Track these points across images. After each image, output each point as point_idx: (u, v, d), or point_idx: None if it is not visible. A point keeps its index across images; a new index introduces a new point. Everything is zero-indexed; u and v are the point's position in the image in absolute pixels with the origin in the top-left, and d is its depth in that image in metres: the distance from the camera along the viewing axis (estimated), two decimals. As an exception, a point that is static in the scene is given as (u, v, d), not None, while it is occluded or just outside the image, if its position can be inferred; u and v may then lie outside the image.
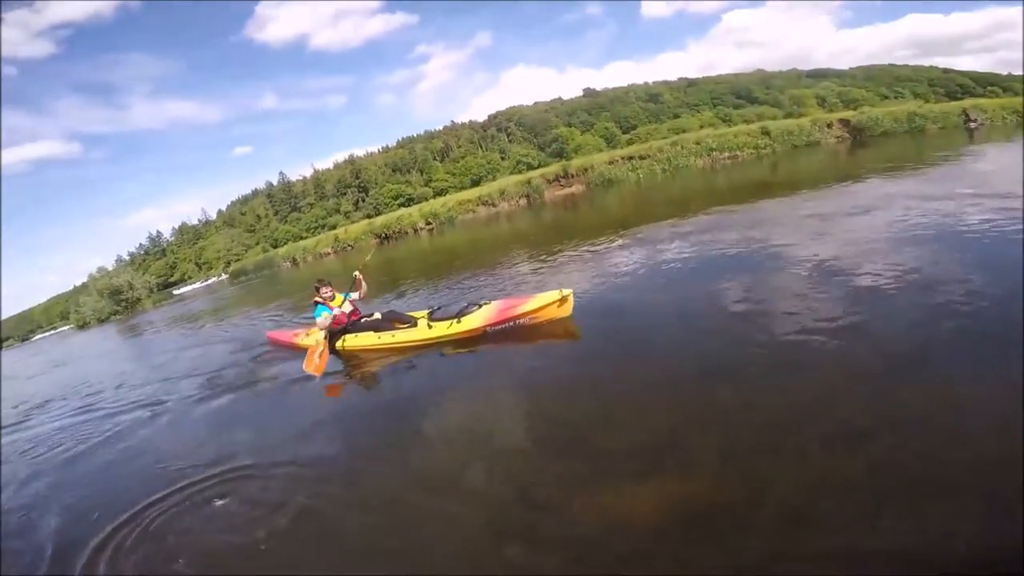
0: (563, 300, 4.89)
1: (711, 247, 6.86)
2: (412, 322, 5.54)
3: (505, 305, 5.14)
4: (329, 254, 32.68)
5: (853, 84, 50.69)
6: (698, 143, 25.82)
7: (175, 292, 38.36)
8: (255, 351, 7.30)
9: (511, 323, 5.01)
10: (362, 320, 5.84)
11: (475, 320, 5.08)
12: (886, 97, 47.75)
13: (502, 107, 56.84)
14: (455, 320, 5.13)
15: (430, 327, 5.27)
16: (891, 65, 54.82)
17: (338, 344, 5.76)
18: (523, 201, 27.47)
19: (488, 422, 3.45)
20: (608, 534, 2.18)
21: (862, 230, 6.19)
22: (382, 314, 5.82)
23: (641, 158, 26.39)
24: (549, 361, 4.37)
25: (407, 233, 29.74)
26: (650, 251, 7.60)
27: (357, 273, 6.11)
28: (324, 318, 5.64)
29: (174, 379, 6.99)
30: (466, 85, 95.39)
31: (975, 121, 25.16)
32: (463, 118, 62.79)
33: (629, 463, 2.61)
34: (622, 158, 26.79)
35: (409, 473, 3.05)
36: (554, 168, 28.94)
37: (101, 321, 29.07)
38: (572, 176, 27.23)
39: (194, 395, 5.87)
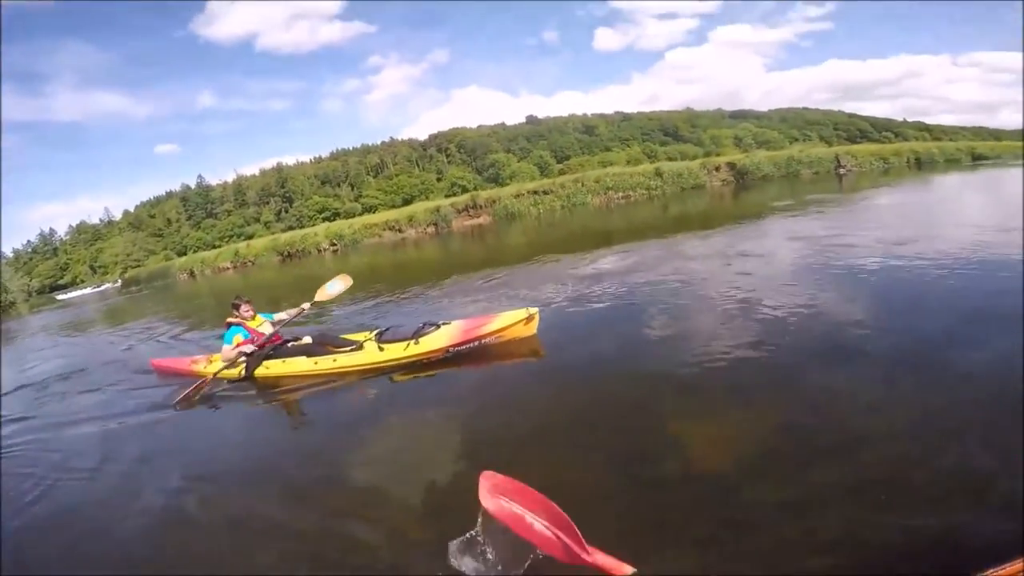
0: (529, 318, 4.71)
1: (619, 281, 7.07)
2: (356, 345, 4.90)
3: (469, 325, 4.80)
4: (228, 268, 31.20)
5: (769, 126, 54.34)
6: (597, 181, 26.59)
7: (59, 297, 35.30)
8: (135, 379, 6.09)
9: (476, 343, 4.68)
10: (289, 344, 5.09)
11: (437, 340, 4.65)
12: (796, 139, 51.45)
13: (452, 126, 56.78)
14: (412, 341, 4.64)
15: (381, 349, 4.70)
16: (804, 109, 59.29)
17: (258, 371, 5.00)
18: (431, 229, 27.28)
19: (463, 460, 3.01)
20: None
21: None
22: (313, 336, 5.12)
23: (545, 193, 26.88)
24: (518, 382, 4.16)
25: (311, 253, 28.94)
26: (565, 280, 7.64)
27: (306, 306, 5.46)
28: (232, 345, 4.92)
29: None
30: (417, 100, 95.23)
31: (844, 167, 27.20)
32: (410, 134, 62.33)
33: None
34: (527, 192, 27.18)
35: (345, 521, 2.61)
36: (464, 199, 28.99)
37: (-34, 324, 26.51)
38: (480, 207, 27.36)
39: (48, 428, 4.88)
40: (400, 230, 27.61)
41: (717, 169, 27.95)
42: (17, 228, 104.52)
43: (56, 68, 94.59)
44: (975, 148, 30.75)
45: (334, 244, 28.64)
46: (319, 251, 28.80)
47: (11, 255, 47.55)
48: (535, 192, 27.01)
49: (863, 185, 19.23)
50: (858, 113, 57.95)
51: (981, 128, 50.80)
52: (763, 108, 60.29)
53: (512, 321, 4.68)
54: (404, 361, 4.63)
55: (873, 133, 51.82)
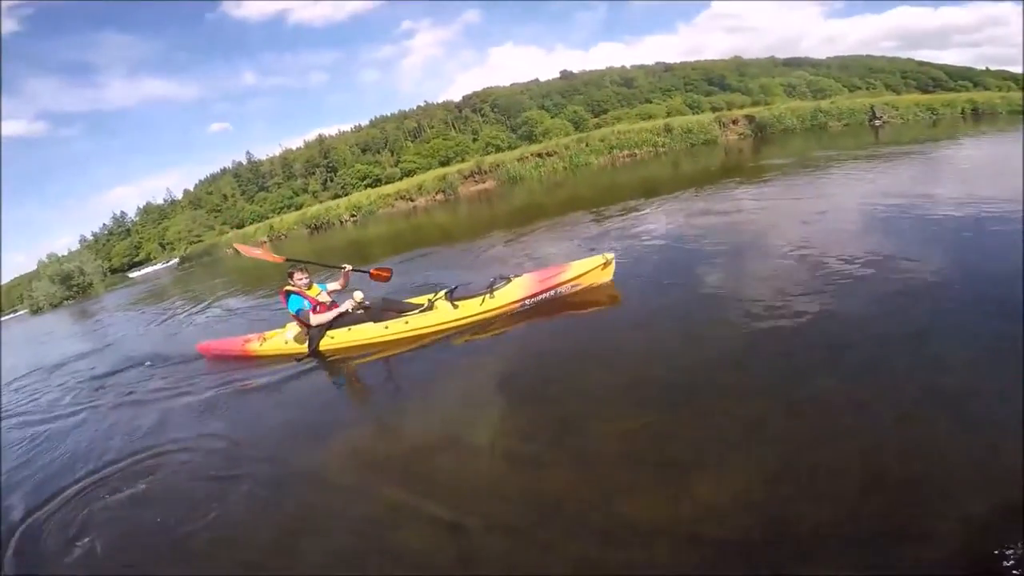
0: (606, 264, 4.67)
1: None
2: (425, 306, 4.69)
3: (543, 275, 4.71)
4: (265, 242, 33.65)
5: (827, 74, 49.51)
6: (602, 140, 25.97)
7: (130, 275, 39.69)
8: (186, 364, 5.72)
9: (552, 292, 4.60)
10: (353, 311, 4.86)
11: (512, 293, 4.53)
12: (857, 88, 46.69)
13: (488, 85, 55.93)
14: (487, 295, 4.48)
15: (455, 307, 4.52)
16: (867, 56, 53.33)
17: (323, 343, 4.75)
18: (439, 196, 27.94)
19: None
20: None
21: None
22: (374, 302, 4.92)
23: (549, 155, 26.63)
24: (602, 330, 4.06)
25: (334, 224, 30.61)
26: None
27: (348, 266, 5.05)
28: (308, 314, 4.70)
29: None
30: (452, 62, 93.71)
31: (880, 118, 24.82)
32: (447, 96, 62.27)
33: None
34: (530, 155, 27.00)
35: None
36: (469, 164, 29.23)
37: (54, 306, 29.91)
38: (486, 172, 27.58)
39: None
40: (411, 199, 28.52)
41: (734, 122, 26.34)
42: (92, 214, 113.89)
43: (104, 59, 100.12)
44: (1048, 99, 26.62)
45: (354, 215, 30.12)
46: (341, 223, 30.43)
47: (91, 238, 53.44)
48: (538, 155, 26.77)
49: (904, 139, 17.46)
50: (931, 62, 51.39)
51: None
52: (821, 56, 54.83)
53: (588, 268, 4.61)
54: (479, 318, 4.46)
55: (948, 82, 46.02)
